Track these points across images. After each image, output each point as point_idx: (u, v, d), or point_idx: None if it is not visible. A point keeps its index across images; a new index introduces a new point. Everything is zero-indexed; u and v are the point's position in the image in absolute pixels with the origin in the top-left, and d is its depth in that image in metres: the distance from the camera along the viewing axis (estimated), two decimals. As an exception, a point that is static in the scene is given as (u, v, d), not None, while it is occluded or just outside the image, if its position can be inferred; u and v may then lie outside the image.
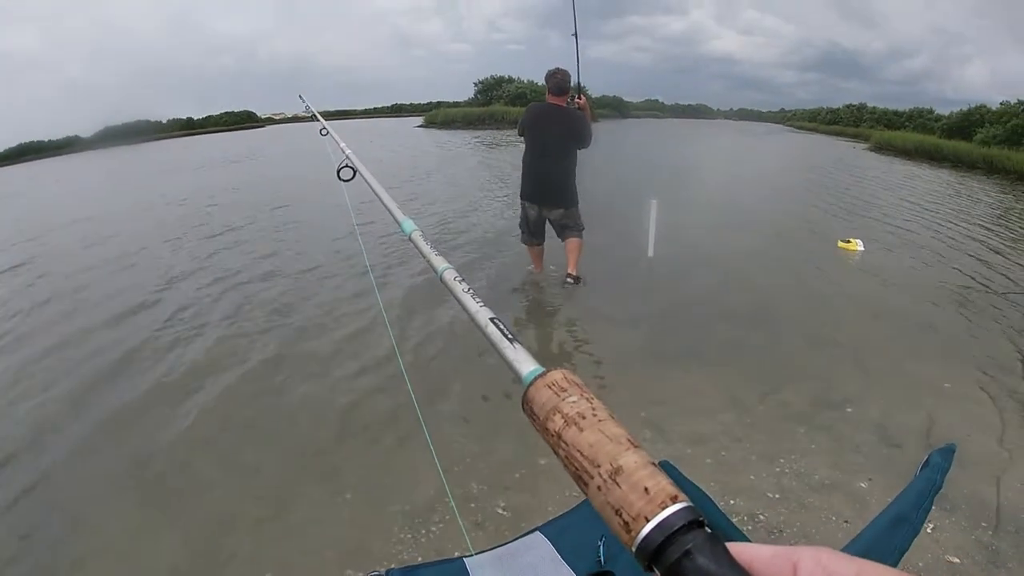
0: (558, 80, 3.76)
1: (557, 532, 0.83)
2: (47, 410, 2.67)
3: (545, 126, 3.83)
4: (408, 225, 0.79)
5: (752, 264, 4.91)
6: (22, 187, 14.44)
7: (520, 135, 3.98)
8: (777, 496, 1.99)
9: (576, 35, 4.00)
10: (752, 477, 2.09)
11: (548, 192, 3.90)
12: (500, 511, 1.90)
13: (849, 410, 2.57)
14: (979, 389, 2.80)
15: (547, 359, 3.01)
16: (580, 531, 0.82)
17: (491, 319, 0.55)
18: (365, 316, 3.52)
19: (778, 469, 2.14)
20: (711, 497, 0.70)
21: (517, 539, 0.82)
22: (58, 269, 5.10)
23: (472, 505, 1.91)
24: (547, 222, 4.01)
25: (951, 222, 7.22)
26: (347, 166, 1.13)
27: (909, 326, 3.68)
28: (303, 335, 3.35)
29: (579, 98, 3.86)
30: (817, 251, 5.45)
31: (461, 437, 2.31)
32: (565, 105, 3.81)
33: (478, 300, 0.58)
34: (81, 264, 5.19)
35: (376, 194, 0.92)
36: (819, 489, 2.03)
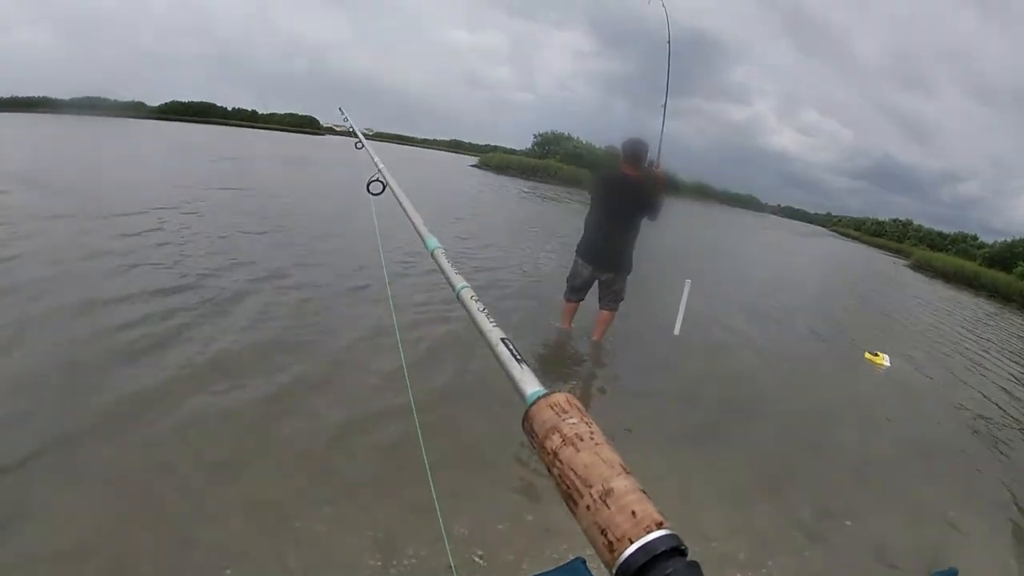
0: (634, 149, 3.76)
1: None
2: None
3: (615, 192, 3.87)
4: (432, 242, 0.80)
5: (776, 360, 4.85)
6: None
7: (591, 195, 4.05)
8: (762, 601, 1.87)
9: (665, 106, 3.97)
10: (738, 575, 1.97)
11: (605, 257, 3.93)
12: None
13: (848, 523, 2.47)
14: (984, 521, 2.70)
15: None
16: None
17: (502, 339, 0.55)
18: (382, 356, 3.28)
19: (765, 571, 2.02)
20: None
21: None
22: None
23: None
24: (596, 282, 4.02)
25: (984, 352, 7.20)
26: (377, 180, 1.15)
27: (923, 448, 3.59)
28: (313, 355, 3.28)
29: (656, 166, 3.79)
30: (843, 359, 5.39)
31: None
32: (638, 174, 3.79)
33: (492, 320, 0.59)
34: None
35: (403, 207, 0.93)
36: (808, 601, 1.91)
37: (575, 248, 4.09)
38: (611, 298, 4.01)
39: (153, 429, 2.24)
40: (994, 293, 16.36)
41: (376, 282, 4.48)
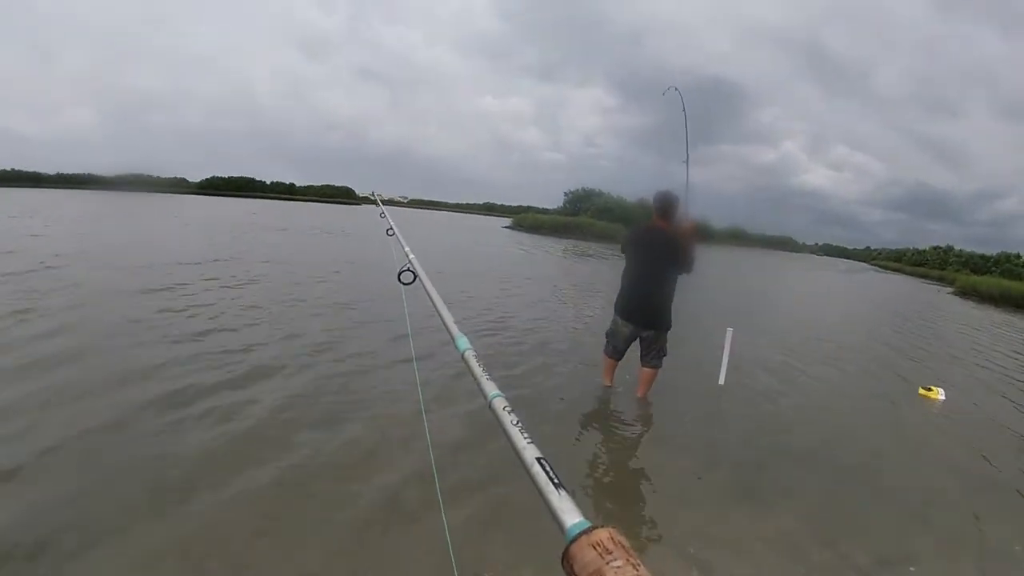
0: (663, 202, 3.77)
1: None
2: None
3: (646, 246, 3.85)
4: (463, 342, 0.81)
5: (826, 403, 4.67)
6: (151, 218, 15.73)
7: (622, 252, 4.04)
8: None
9: (687, 162, 3.97)
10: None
11: (644, 314, 3.87)
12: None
13: (912, 569, 2.33)
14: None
15: (599, 476, 2.93)
16: None
17: (538, 459, 0.53)
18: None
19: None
20: None
21: None
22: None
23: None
24: (638, 339, 3.95)
25: None
26: (408, 269, 1.18)
27: (985, 484, 3.38)
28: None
29: (684, 218, 3.78)
30: (896, 396, 5.15)
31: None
32: (669, 227, 3.77)
33: (526, 436, 0.56)
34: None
35: (434, 304, 0.95)
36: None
37: (613, 305, 4.06)
38: (654, 355, 3.93)
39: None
40: None
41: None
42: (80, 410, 3.02)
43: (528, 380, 4.29)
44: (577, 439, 3.37)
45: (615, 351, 4.03)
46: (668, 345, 3.96)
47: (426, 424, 2.57)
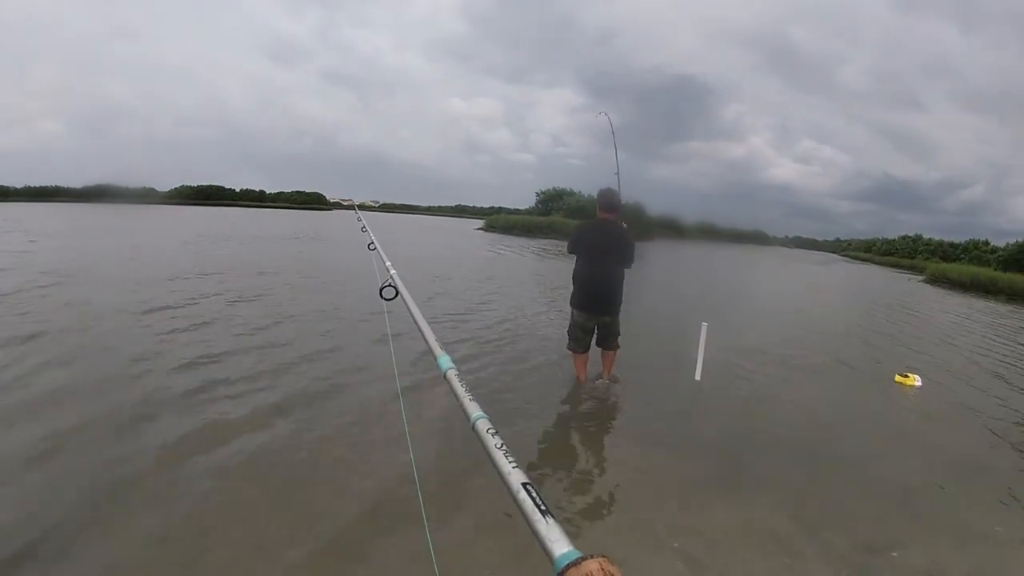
0: (609, 198, 4.11)
1: None
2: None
3: (599, 238, 4.06)
4: (444, 361, 0.80)
5: (802, 394, 4.73)
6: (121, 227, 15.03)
7: (570, 251, 4.19)
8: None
9: (618, 174, 4.54)
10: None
11: (602, 301, 4.08)
12: None
13: (895, 555, 2.38)
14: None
15: (584, 479, 2.89)
16: None
17: (524, 484, 0.51)
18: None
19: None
20: None
21: None
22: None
23: None
24: (595, 328, 4.16)
25: (1015, 357, 7.03)
26: (390, 285, 1.16)
27: (963, 467, 3.47)
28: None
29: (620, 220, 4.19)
30: (872, 384, 5.27)
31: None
32: (616, 219, 4.11)
33: (511, 460, 0.55)
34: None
35: (415, 322, 0.94)
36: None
37: (568, 302, 4.24)
38: (612, 339, 4.20)
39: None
40: (1012, 295, 16.17)
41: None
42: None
43: (503, 380, 4.30)
44: (555, 438, 3.39)
45: (579, 344, 4.19)
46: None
47: (410, 445, 2.53)
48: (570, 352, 4.28)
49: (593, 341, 4.22)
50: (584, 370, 4.26)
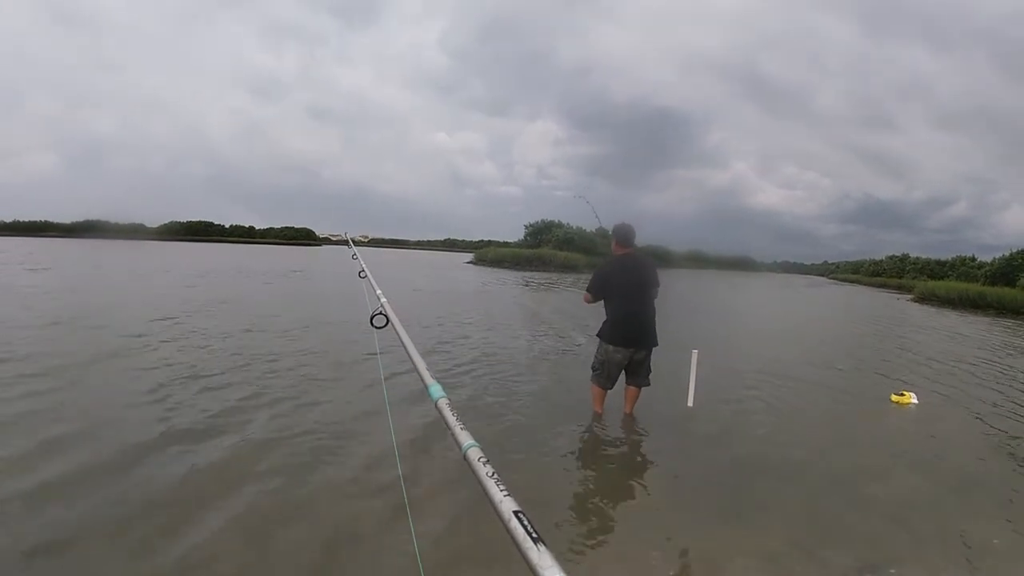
0: (626, 232, 4.06)
1: None
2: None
3: (630, 277, 4.02)
4: (435, 390, 0.80)
5: (797, 417, 4.74)
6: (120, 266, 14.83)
7: (597, 296, 4.07)
8: None
9: (600, 226, 4.82)
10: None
11: (640, 336, 4.00)
12: None
13: (892, 572, 2.37)
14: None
15: (578, 506, 2.87)
16: None
17: (515, 512, 0.52)
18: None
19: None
20: None
21: None
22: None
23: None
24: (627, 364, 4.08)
25: (1006, 373, 7.11)
26: (380, 313, 1.16)
27: (960, 482, 3.49)
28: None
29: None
30: (868, 405, 5.28)
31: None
32: (635, 252, 4.09)
33: (502, 488, 0.55)
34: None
35: (406, 350, 0.94)
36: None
37: (598, 335, 4.12)
38: (644, 374, 4.10)
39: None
40: (1001, 310, 16.38)
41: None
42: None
43: (513, 408, 4.30)
44: (551, 468, 3.35)
45: (608, 380, 4.10)
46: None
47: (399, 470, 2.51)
48: (594, 386, 4.19)
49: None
50: (602, 403, 4.20)
